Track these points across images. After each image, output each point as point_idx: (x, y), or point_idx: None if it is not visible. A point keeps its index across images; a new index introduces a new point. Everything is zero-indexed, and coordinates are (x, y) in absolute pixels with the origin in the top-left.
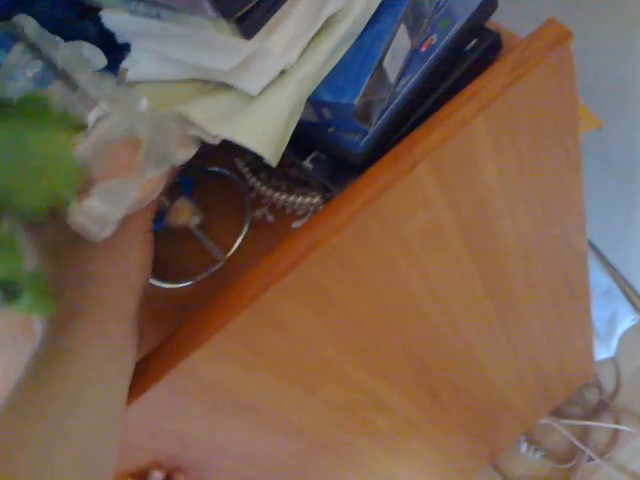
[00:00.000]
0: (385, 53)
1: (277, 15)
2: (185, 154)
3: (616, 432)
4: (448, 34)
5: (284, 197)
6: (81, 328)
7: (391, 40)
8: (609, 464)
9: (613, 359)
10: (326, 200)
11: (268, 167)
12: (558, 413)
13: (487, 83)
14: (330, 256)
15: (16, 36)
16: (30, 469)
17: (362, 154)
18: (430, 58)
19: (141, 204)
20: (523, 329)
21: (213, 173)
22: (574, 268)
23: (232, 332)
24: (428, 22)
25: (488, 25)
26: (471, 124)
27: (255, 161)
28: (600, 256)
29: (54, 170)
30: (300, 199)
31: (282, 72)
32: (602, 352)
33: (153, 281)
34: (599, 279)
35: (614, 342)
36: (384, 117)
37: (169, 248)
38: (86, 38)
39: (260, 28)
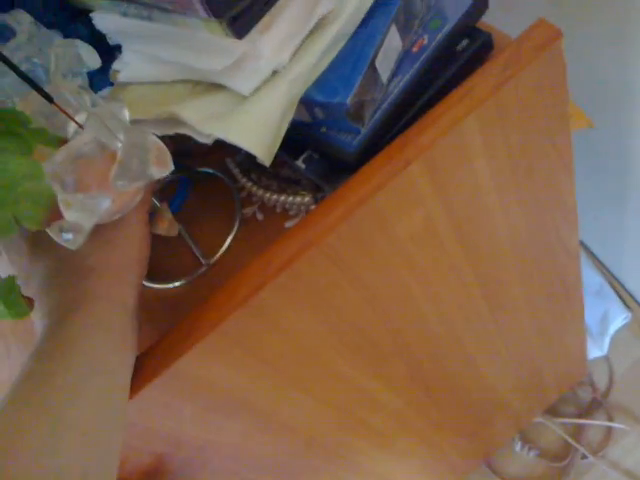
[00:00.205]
0: (377, 53)
1: (269, 16)
2: (161, 171)
3: (609, 430)
4: (439, 34)
5: (275, 197)
6: (83, 320)
7: (383, 40)
8: (603, 462)
9: (606, 357)
10: (317, 200)
11: (259, 167)
12: (552, 411)
13: (479, 83)
14: (323, 255)
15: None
16: (34, 456)
17: (355, 154)
18: (422, 58)
19: (115, 215)
20: (516, 328)
21: (203, 173)
22: (566, 266)
23: (226, 332)
24: (419, 23)
25: (479, 26)
26: (463, 123)
27: (246, 161)
28: (591, 255)
29: (23, 197)
30: (291, 199)
31: (274, 73)
32: (595, 351)
33: (144, 281)
34: (590, 278)
35: (606, 341)
36: (376, 117)
37: (159, 248)
38: None
39: (252, 28)
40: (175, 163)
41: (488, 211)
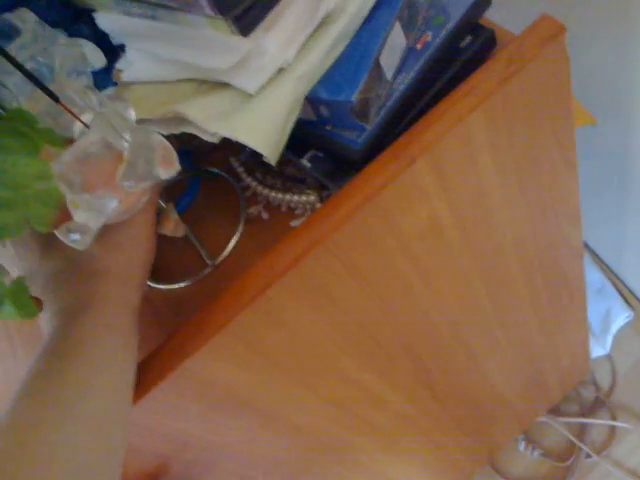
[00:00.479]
0: (381, 50)
1: (274, 13)
2: (168, 171)
3: (613, 429)
4: (443, 31)
5: (280, 195)
6: (91, 320)
7: (387, 37)
8: (606, 461)
9: (608, 356)
10: (322, 198)
11: (263, 166)
12: (555, 411)
13: (483, 79)
14: (330, 253)
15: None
16: (45, 448)
17: (360, 151)
18: (426, 55)
19: (123, 216)
20: (520, 326)
21: (207, 173)
22: (570, 263)
23: (233, 331)
24: (423, 19)
25: (481, 22)
26: (468, 120)
27: (250, 160)
28: (593, 254)
29: (32, 198)
30: (296, 197)
31: (280, 70)
32: (597, 349)
33: (149, 282)
34: (592, 277)
35: (609, 339)
36: (382, 114)
37: (164, 248)
38: None
39: (257, 26)
40: (180, 163)
41: (493, 206)
